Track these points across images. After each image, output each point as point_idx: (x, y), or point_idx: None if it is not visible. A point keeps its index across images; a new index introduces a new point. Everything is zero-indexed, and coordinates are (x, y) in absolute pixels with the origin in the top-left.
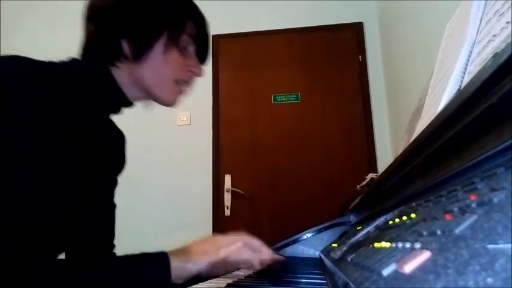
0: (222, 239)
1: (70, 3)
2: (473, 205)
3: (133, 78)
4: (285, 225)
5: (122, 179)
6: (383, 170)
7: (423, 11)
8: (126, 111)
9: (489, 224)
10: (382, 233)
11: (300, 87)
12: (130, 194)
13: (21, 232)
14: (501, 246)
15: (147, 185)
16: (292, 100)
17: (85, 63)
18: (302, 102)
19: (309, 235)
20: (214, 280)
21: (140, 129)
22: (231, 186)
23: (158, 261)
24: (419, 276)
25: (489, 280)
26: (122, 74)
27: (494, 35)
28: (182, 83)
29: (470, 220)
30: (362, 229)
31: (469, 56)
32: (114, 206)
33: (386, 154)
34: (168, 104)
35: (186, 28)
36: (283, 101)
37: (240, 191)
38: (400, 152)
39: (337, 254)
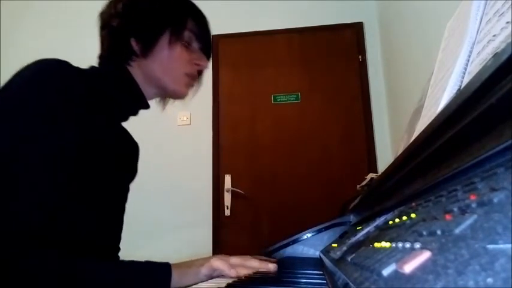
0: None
1: (70, 4)
2: (473, 205)
3: (145, 74)
4: (285, 225)
5: None
6: (383, 170)
7: (423, 11)
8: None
9: (489, 224)
10: (382, 233)
11: (300, 87)
12: (130, 193)
13: (31, 233)
14: (501, 246)
15: (147, 185)
16: (292, 100)
17: (106, 65)
18: (302, 102)
19: (309, 235)
20: (214, 280)
21: (140, 129)
22: (231, 186)
23: (160, 267)
24: (419, 276)
25: (489, 280)
26: (135, 72)
27: (494, 35)
28: (191, 76)
29: (470, 220)
30: (362, 229)
31: (469, 56)
32: (124, 211)
33: (386, 154)
34: (180, 94)
35: (187, 24)
36: (283, 101)
37: (240, 191)
38: (400, 152)
39: (337, 254)
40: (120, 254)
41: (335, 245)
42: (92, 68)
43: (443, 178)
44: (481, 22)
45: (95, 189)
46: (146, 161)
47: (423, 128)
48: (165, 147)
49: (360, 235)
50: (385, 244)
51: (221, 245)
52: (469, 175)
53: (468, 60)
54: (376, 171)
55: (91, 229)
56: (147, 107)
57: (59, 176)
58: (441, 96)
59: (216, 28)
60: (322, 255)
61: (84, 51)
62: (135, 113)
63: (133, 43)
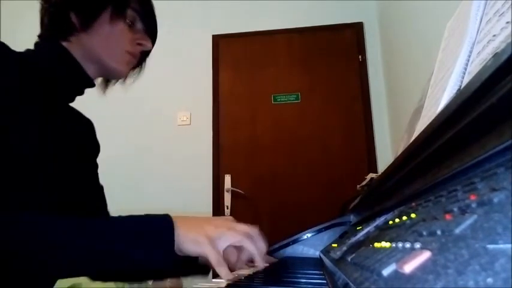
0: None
1: None
2: (473, 205)
3: (84, 50)
4: (285, 225)
5: (122, 178)
6: (383, 170)
7: (423, 11)
8: (125, 111)
9: (489, 224)
10: (382, 233)
11: (300, 87)
12: (130, 193)
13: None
14: (501, 246)
15: (147, 185)
16: (292, 100)
17: (42, 46)
18: (302, 102)
19: (309, 235)
20: (214, 280)
21: (140, 129)
22: (231, 186)
23: (162, 220)
24: (419, 276)
25: (489, 280)
26: (74, 48)
27: (494, 35)
28: (132, 55)
29: (470, 220)
30: (362, 229)
31: (469, 56)
32: (100, 187)
33: (386, 154)
34: (119, 72)
35: (130, 2)
36: (283, 101)
37: (240, 191)
38: (400, 152)
39: (337, 254)
40: None
41: (335, 245)
42: (28, 50)
43: (443, 178)
44: (481, 22)
45: (49, 174)
46: (146, 161)
47: (423, 128)
48: (165, 147)
49: (360, 235)
50: (385, 244)
51: None
52: (469, 175)
53: (468, 60)
54: (376, 171)
55: (61, 209)
56: (91, 85)
57: (17, 164)
58: (441, 96)
59: (216, 28)
60: (322, 255)
61: None
62: (80, 92)
63: (73, 17)
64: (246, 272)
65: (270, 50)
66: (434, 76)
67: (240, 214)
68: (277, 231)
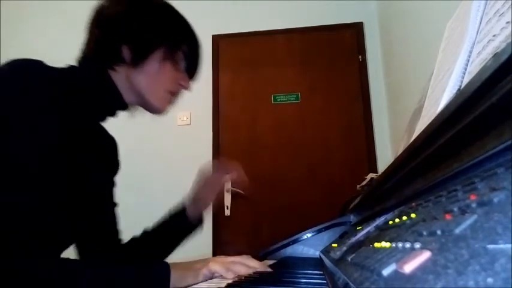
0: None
1: (70, 4)
2: (473, 205)
3: (129, 82)
4: (285, 225)
5: (122, 178)
6: (383, 170)
7: (423, 11)
8: (125, 111)
9: (489, 224)
10: (382, 233)
11: (300, 87)
12: (130, 193)
13: (19, 231)
14: (501, 246)
15: (147, 185)
16: (292, 100)
17: (86, 67)
18: (302, 102)
19: (309, 235)
20: (214, 280)
21: (140, 129)
22: (231, 186)
23: (160, 267)
24: (419, 276)
25: (489, 280)
26: (119, 77)
27: (494, 35)
28: (173, 94)
29: (470, 220)
30: (362, 229)
31: (469, 56)
32: (114, 204)
33: (386, 154)
34: (157, 110)
35: (182, 46)
36: (283, 101)
37: (240, 191)
38: (400, 152)
39: (337, 254)
40: None
41: (335, 245)
42: (71, 67)
43: (443, 178)
44: (481, 22)
45: (75, 188)
46: (146, 161)
47: (423, 128)
48: (165, 147)
49: (360, 235)
50: (385, 244)
51: (221, 245)
52: (469, 175)
53: (468, 60)
54: (376, 171)
55: (76, 222)
56: (125, 108)
57: (38, 178)
58: (441, 96)
59: (216, 28)
60: (322, 255)
61: None
62: (112, 114)
63: (124, 50)
64: (245, 271)
65: (270, 50)
66: (434, 76)
67: (240, 214)
68: (277, 231)
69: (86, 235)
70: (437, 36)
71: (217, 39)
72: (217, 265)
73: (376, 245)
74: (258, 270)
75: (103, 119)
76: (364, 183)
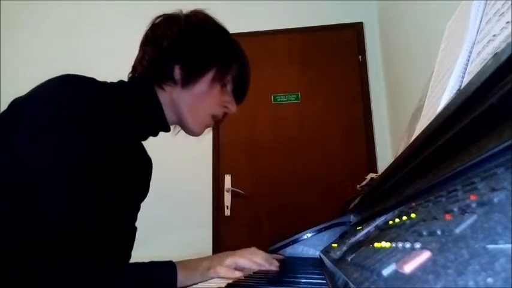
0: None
1: (70, 4)
2: (473, 205)
3: (172, 101)
4: (285, 225)
5: None
6: (383, 170)
7: (423, 11)
8: None
9: (489, 224)
10: (382, 233)
11: (300, 87)
12: None
13: (37, 241)
14: (501, 246)
15: None
16: (292, 100)
17: (137, 84)
18: (302, 102)
19: (309, 235)
20: (214, 280)
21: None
22: (231, 186)
23: (166, 267)
24: (419, 276)
25: (489, 280)
26: (164, 96)
27: (494, 35)
28: (214, 119)
29: (470, 220)
30: (362, 229)
31: (469, 56)
32: (135, 229)
33: (386, 154)
34: (192, 132)
35: (232, 69)
36: (283, 101)
37: (240, 191)
38: (400, 152)
39: (337, 254)
40: None
41: (335, 245)
42: (121, 84)
43: (443, 178)
44: (481, 22)
45: (105, 204)
46: None
47: (423, 128)
48: (165, 147)
49: (360, 235)
50: (385, 244)
51: (221, 245)
52: (469, 175)
53: (468, 60)
54: (376, 171)
55: (97, 242)
56: (167, 130)
57: (73, 189)
58: (441, 96)
59: None
60: (322, 255)
61: (84, 52)
62: (154, 134)
63: (176, 70)
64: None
65: (270, 50)
66: (434, 76)
67: (240, 214)
68: (277, 231)
69: (100, 253)
70: (437, 36)
71: None
72: (224, 270)
73: (376, 245)
74: (263, 268)
75: (145, 138)
76: (364, 183)
